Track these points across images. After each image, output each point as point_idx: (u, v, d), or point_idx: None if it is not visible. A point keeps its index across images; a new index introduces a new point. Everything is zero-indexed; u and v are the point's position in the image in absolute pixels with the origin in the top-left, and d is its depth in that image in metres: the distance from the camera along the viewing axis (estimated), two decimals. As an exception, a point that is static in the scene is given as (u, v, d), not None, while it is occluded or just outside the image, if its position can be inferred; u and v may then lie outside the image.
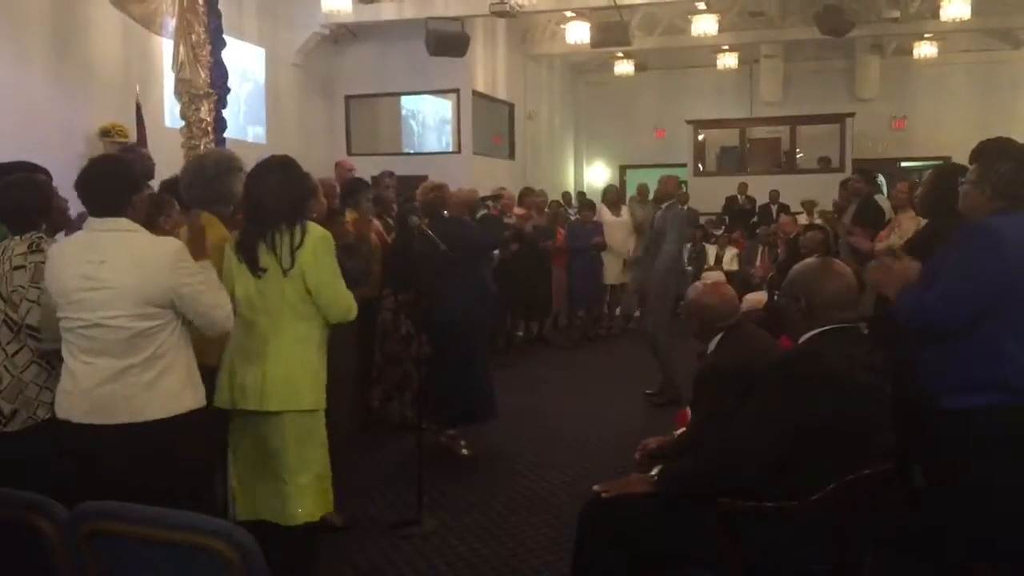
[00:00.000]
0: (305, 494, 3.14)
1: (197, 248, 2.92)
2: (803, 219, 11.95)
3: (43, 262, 2.91)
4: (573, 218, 10.41)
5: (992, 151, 2.90)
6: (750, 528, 2.41)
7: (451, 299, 5.09)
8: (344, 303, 3.19)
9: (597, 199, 10.71)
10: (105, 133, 8.36)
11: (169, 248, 2.78)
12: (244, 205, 3.27)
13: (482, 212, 7.01)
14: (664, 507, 2.59)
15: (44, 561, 1.92)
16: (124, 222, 2.76)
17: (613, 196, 10.21)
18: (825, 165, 15.42)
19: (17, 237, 3.11)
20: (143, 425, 2.68)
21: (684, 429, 3.32)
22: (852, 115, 15.27)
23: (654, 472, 2.76)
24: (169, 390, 2.75)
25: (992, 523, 2.66)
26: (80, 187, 2.81)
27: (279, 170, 3.21)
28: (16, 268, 3.02)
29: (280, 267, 3.07)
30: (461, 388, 5.29)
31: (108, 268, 2.69)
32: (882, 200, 7.56)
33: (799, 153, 16.55)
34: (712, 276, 6.19)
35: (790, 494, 2.35)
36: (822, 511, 2.34)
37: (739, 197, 14.41)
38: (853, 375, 2.46)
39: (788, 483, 2.38)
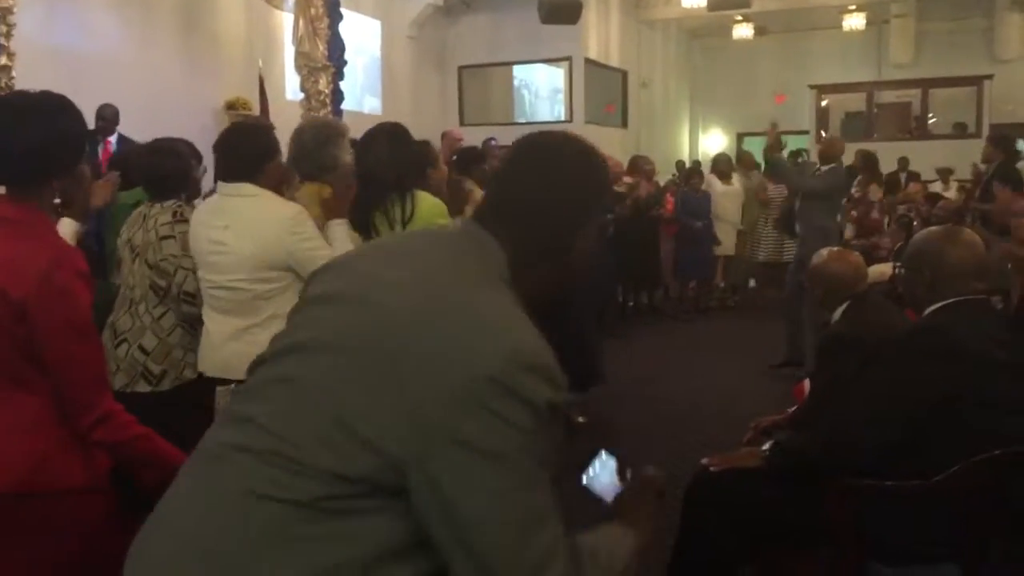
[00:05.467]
0: None
1: (337, 208, 2.95)
2: (938, 188, 11.33)
3: (187, 231, 3.02)
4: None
5: None
6: (869, 508, 2.30)
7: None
8: None
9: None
10: (230, 106, 8.70)
11: (286, 213, 2.80)
12: (356, 174, 3.18)
13: None
14: (776, 483, 2.50)
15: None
16: (248, 187, 2.81)
17: (723, 165, 9.91)
18: (960, 131, 14.50)
19: (157, 205, 3.20)
20: None
21: (800, 404, 3.20)
22: (990, 77, 14.28)
23: (766, 446, 2.67)
24: None
25: None
26: (218, 151, 2.92)
27: (387, 138, 3.14)
28: (164, 238, 3.12)
29: None
30: (569, 355, 5.26)
31: (231, 233, 2.78)
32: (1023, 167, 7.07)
33: (932, 118, 15.63)
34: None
35: (913, 475, 2.23)
36: (948, 493, 2.20)
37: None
38: (984, 350, 2.29)
39: (910, 464, 2.25)
